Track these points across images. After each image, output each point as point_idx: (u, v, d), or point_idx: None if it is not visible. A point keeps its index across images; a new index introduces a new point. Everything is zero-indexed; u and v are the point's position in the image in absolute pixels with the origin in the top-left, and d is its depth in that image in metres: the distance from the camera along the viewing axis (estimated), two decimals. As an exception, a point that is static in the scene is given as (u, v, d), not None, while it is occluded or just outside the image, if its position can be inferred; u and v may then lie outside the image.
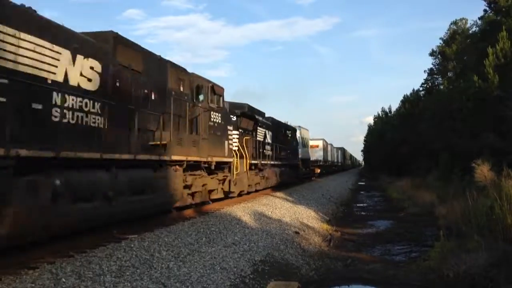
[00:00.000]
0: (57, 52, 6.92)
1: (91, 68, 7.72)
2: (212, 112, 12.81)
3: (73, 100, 7.06)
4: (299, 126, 33.82)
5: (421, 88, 40.73)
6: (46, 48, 6.68)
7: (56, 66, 6.88)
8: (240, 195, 16.05)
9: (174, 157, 10.07)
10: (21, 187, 5.95)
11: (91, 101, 7.49)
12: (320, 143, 45.35)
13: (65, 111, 6.84)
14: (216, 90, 13.17)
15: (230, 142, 14.35)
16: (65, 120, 6.83)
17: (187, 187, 11.29)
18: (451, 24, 38.42)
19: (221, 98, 13.83)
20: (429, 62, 64.74)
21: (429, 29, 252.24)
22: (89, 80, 7.65)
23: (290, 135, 27.63)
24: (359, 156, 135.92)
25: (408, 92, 43.44)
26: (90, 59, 7.68)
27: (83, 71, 7.49)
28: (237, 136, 15.65)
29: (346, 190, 33.24)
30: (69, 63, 7.16)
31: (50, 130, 6.56)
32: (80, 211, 7.14)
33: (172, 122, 9.94)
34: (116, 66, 8.51)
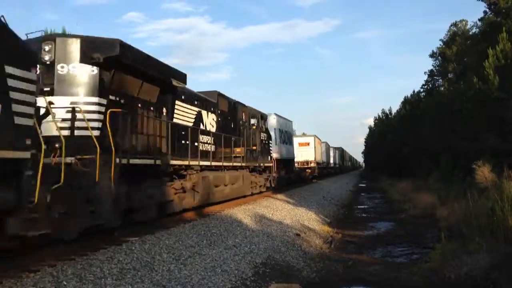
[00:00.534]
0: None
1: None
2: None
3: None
4: (275, 114, 26.35)
5: (421, 90, 40.71)
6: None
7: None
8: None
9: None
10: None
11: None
12: (311, 141, 38.45)
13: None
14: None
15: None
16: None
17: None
18: (451, 25, 38.42)
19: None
20: (429, 64, 64.80)
21: (429, 31, 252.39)
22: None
23: (256, 124, 19.50)
24: (359, 158, 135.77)
25: (408, 93, 43.46)
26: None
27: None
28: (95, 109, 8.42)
29: (346, 192, 33.21)
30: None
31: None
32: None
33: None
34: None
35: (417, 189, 23.71)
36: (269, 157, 21.07)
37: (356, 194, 34.32)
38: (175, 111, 11.51)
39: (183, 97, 12.00)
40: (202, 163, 12.36)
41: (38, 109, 6.68)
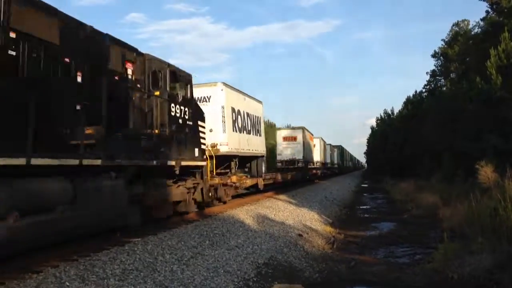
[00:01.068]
0: None
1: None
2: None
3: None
4: (224, 84, 16.36)
5: (423, 90, 40.70)
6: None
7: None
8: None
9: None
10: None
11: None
12: (298, 135, 31.55)
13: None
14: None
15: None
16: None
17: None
18: (453, 25, 38.41)
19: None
20: (431, 64, 64.73)
21: (431, 31, 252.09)
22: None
23: (163, 87, 10.39)
24: (361, 158, 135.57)
25: (410, 93, 43.43)
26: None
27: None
28: None
29: (349, 192, 33.17)
30: None
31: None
32: None
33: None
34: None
35: (419, 189, 23.66)
36: (198, 150, 11.82)
37: (358, 194, 34.27)
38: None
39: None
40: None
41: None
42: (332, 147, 56.18)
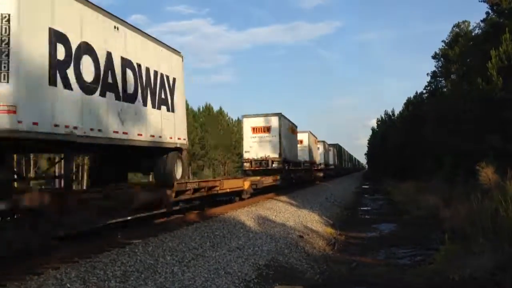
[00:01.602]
0: None
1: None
2: None
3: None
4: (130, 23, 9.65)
5: (424, 91, 40.65)
6: None
7: None
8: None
9: None
10: None
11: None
12: (273, 123, 22.78)
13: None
14: None
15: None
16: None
17: None
18: (454, 26, 38.33)
19: None
20: (432, 65, 64.71)
21: (432, 32, 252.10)
22: None
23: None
24: (362, 159, 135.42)
25: (411, 95, 43.42)
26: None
27: None
28: None
29: (350, 194, 33.15)
30: None
31: None
32: None
33: None
34: None
35: (420, 191, 23.64)
36: None
37: (359, 195, 34.25)
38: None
39: None
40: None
41: None
42: (327, 145, 48.88)
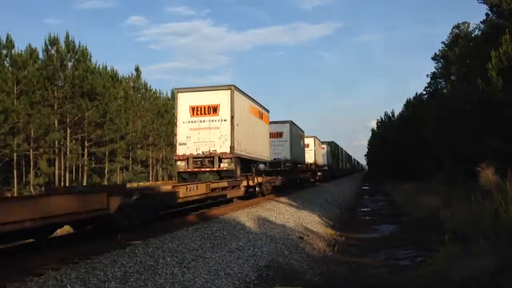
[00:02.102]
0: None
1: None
2: None
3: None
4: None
5: (424, 92, 40.70)
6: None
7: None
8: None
9: None
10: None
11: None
12: (222, 102, 16.30)
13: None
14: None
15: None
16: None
17: None
18: (454, 28, 38.41)
19: None
20: (432, 66, 64.69)
21: (431, 34, 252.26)
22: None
23: None
24: (362, 160, 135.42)
25: (411, 96, 43.45)
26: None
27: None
28: None
29: (350, 195, 33.16)
30: None
31: None
32: None
33: None
34: None
35: (420, 192, 23.63)
36: None
37: (359, 196, 34.26)
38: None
39: None
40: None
41: None
42: (319, 141, 41.12)
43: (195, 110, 16.30)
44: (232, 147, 15.99)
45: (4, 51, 31.38)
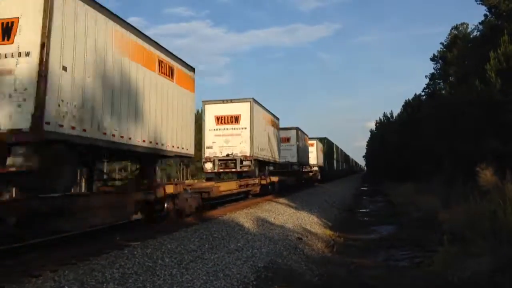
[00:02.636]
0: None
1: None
2: None
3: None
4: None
5: (423, 93, 40.72)
6: None
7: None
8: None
9: None
10: None
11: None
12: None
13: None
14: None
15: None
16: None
17: None
18: (452, 28, 38.42)
19: None
20: (430, 67, 64.73)
21: (430, 35, 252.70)
22: None
23: None
24: (360, 160, 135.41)
25: (409, 97, 43.48)
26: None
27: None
28: None
29: (348, 196, 33.17)
30: None
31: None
32: None
33: None
34: None
35: (419, 192, 23.64)
36: None
37: (358, 197, 34.26)
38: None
39: None
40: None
41: None
42: (307, 137, 36.97)
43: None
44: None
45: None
